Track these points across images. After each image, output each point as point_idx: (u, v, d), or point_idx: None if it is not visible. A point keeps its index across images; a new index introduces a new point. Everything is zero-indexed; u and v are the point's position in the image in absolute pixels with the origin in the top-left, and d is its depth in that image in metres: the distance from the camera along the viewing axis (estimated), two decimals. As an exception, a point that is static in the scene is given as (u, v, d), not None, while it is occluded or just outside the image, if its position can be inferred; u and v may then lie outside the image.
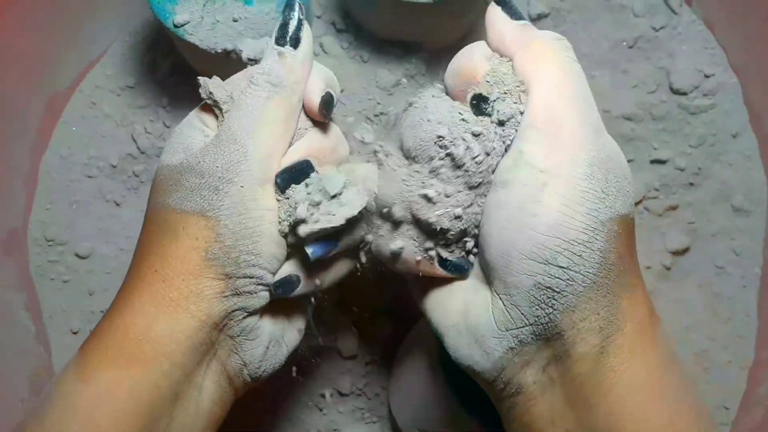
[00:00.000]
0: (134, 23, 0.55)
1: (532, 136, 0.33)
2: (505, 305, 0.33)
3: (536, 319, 0.32)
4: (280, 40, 0.36)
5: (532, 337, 0.33)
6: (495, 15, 0.36)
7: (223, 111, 0.36)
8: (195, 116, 0.38)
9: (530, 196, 0.32)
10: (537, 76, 0.34)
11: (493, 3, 0.37)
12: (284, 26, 0.37)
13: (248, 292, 0.35)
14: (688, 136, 0.52)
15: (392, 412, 0.47)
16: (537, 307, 0.32)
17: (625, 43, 0.52)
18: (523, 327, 0.33)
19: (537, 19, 0.52)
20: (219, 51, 0.47)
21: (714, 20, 0.52)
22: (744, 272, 0.52)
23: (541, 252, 0.32)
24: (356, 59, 0.53)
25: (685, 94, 0.52)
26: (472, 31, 0.52)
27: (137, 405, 0.32)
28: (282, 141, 0.36)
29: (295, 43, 0.36)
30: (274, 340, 0.38)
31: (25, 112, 0.53)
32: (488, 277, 0.35)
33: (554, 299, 0.32)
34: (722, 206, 0.52)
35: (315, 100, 0.36)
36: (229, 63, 0.48)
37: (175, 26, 0.47)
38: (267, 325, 0.37)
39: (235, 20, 0.48)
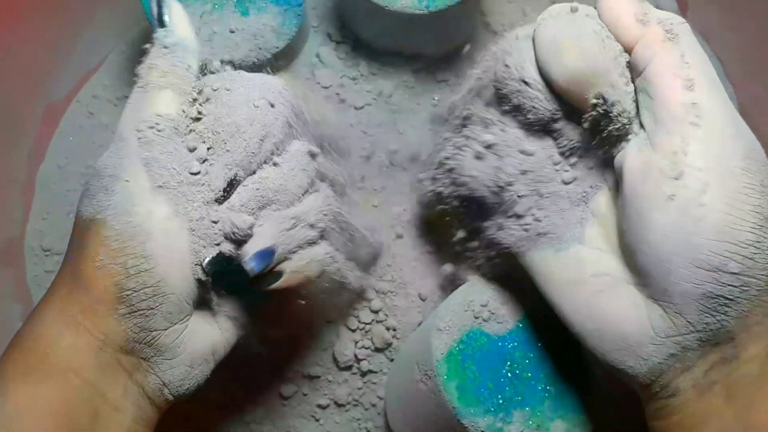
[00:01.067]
0: (132, 34, 0.56)
1: (675, 128, 0.30)
2: (666, 312, 0.31)
3: (705, 326, 0.30)
4: (157, 28, 0.37)
5: (698, 344, 0.30)
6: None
7: None
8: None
9: (692, 199, 0.29)
10: (664, 60, 0.31)
11: None
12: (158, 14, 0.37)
13: (147, 308, 0.32)
14: (685, 147, 0.52)
15: (389, 422, 0.47)
16: (707, 314, 0.30)
17: (620, 54, 0.52)
18: (689, 334, 0.30)
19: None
20: (216, 62, 0.47)
21: (709, 32, 0.52)
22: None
23: (710, 259, 0.29)
24: (353, 69, 0.53)
25: (681, 104, 0.51)
26: (469, 40, 0.52)
27: (55, 420, 0.31)
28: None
29: (161, 23, 0.37)
30: (199, 358, 0.35)
31: (23, 122, 0.53)
32: (639, 279, 0.32)
33: (727, 306, 0.29)
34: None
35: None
36: (225, 73, 0.48)
37: (173, 37, 0.47)
38: (189, 342, 0.35)
39: (232, 31, 0.48)
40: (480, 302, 0.40)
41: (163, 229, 0.33)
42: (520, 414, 0.37)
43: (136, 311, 0.32)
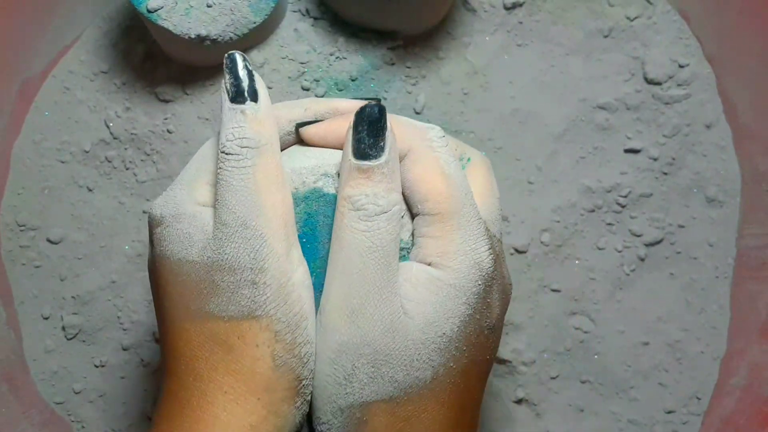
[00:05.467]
0: (108, 8, 0.55)
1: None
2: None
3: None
4: (238, 98, 0.34)
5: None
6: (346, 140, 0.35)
7: (216, 194, 0.34)
8: (186, 199, 0.35)
9: None
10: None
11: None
12: (236, 82, 0.34)
13: (311, 392, 0.33)
14: (662, 126, 0.52)
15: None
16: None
17: (599, 33, 0.52)
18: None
19: (512, 8, 0.52)
20: (192, 36, 0.47)
21: (689, 11, 0.52)
22: (717, 263, 0.52)
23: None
24: (331, 46, 0.52)
25: (659, 84, 0.52)
26: (447, 18, 0.52)
27: None
28: (286, 201, 0.34)
29: (254, 96, 0.34)
30: None
31: (-3, 97, 0.52)
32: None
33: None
34: (696, 197, 0.52)
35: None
36: (202, 48, 0.48)
37: (149, 11, 0.47)
38: None
39: (209, 5, 0.48)
40: None
41: (311, 311, 0.34)
42: None
43: (306, 399, 0.33)
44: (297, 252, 0.34)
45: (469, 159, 0.38)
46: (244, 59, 0.35)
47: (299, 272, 0.33)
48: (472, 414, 0.35)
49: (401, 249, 0.35)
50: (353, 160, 0.33)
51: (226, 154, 0.33)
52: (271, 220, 0.33)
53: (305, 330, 0.33)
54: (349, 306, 0.32)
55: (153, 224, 0.35)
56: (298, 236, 0.35)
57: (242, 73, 0.34)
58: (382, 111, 0.33)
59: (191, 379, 0.32)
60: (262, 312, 0.32)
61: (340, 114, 0.37)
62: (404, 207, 0.36)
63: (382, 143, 0.33)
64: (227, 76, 0.34)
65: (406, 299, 0.33)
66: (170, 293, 0.33)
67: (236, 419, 0.31)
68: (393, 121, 0.35)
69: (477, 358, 0.34)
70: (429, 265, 0.34)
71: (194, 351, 0.32)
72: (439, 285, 0.33)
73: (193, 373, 0.32)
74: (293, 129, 0.38)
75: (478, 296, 0.33)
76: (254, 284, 0.32)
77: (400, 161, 0.35)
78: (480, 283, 0.33)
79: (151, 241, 0.36)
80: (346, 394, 0.32)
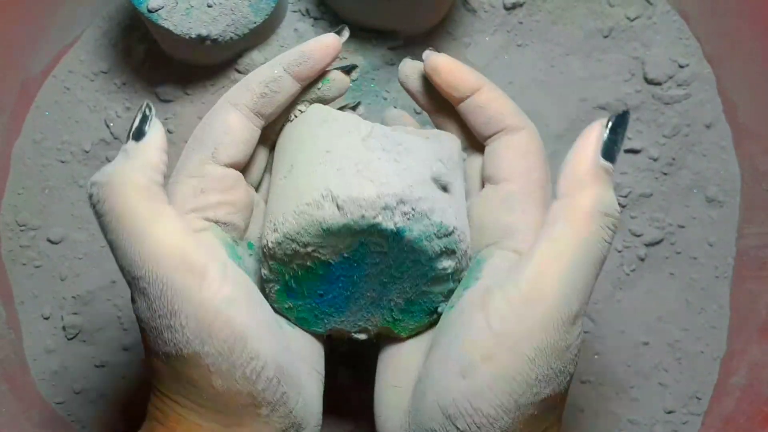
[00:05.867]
0: (108, 8, 0.55)
1: (506, 303, 0.32)
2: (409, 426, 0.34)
3: None
4: (126, 139, 0.34)
5: None
6: (590, 138, 0.33)
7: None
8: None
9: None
10: (552, 236, 0.32)
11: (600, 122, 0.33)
12: (132, 125, 0.35)
13: (281, 394, 0.34)
14: (662, 126, 0.52)
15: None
16: None
17: (599, 33, 0.52)
18: None
19: (512, 8, 0.52)
20: (193, 36, 0.47)
21: (688, 11, 0.52)
22: (717, 263, 0.52)
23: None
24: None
25: (659, 84, 0.52)
26: (447, 18, 0.52)
27: None
28: (179, 221, 0.33)
29: (138, 135, 0.34)
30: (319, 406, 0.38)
31: (-2, 97, 0.52)
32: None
33: None
34: (696, 197, 0.52)
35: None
36: (202, 48, 0.48)
37: (149, 11, 0.47)
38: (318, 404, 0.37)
39: (209, 5, 0.48)
40: None
41: (249, 324, 0.33)
42: None
43: (272, 403, 0.33)
44: (216, 267, 0.33)
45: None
46: (148, 107, 0.35)
47: (223, 292, 0.32)
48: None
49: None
50: (603, 162, 0.32)
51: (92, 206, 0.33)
52: (166, 257, 0.32)
53: (244, 349, 0.32)
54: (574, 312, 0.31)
55: None
56: (345, 258, 0.35)
57: (138, 117, 0.35)
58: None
59: (159, 400, 0.34)
60: (188, 351, 0.32)
61: (309, 57, 0.37)
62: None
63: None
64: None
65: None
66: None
67: (202, 429, 0.33)
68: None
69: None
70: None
71: (159, 378, 0.34)
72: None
73: (160, 394, 0.34)
74: (269, 90, 0.37)
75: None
76: (170, 328, 0.32)
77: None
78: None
79: None
80: (534, 393, 0.31)
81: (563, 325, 0.31)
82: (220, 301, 0.32)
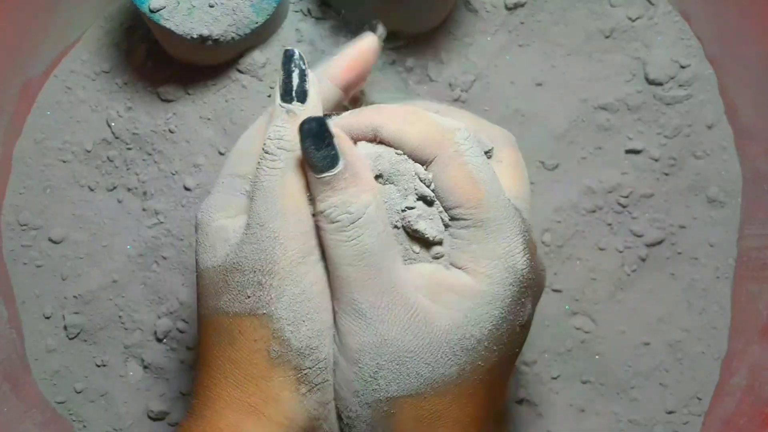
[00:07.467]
0: (110, 8, 0.55)
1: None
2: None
3: None
4: (286, 97, 0.34)
5: None
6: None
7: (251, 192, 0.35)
8: (217, 208, 0.36)
9: None
10: None
11: None
12: (287, 80, 0.34)
13: (323, 381, 0.34)
14: (664, 127, 0.52)
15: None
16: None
17: (601, 33, 0.52)
18: None
19: (513, 9, 0.52)
20: (194, 36, 0.47)
21: (690, 11, 0.52)
22: (718, 264, 0.52)
23: None
24: (333, 46, 0.52)
25: (660, 84, 0.52)
26: (449, 18, 0.52)
27: None
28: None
29: (303, 97, 0.34)
30: None
31: (-1, 97, 0.52)
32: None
33: None
34: (697, 197, 0.52)
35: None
36: (204, 48, 0.48)
37: (151, 11, 0.47)
38: None
39: (211, 5, 0.48)
40: None
41: (325, 303, 0.34)
42: None
43: (314, 386, 0.34)
44: (313, 257, 0.34)
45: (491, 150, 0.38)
46: (300, 58, 0.35)
47: (311, 275, 0.33)
48: (499, 405, 0.36)
49: (436, 252, 0.35)
50: (314, 176, 0.33)
51: (265, 152, 0.34)
52: (289, 223, 0.33)
53: (309, 329, 0.33)
54: (358, 311, 0.32)
55: (195, 228, 0.37)
56: None
57: (294, 71, 0.35)
58: (320, 122, 0.32)
59: (204, 364, 0.35)
60: (264, 311, 0.33)
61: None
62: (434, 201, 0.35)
63: (333, 152, 0.32)
64: (281, 73, 0.35)
65: (435, 302, 0.33)
66: (199, 293, 0.36)
67: (236, 400, 0.33)
68: (414, 119, 0.35)
69: (507, 354, 0.34)
70: (462, 269, 0.34)
71: (207, 342, 0.35)
72: (472, 291, 0.33)
73: (205, 360, 0.35)
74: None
75: (512, 299, 0.33)
76: (260, 285, 0.33)
77: (427, 167, 0.34)
78: (515, 287, 0.33)
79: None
80: (373, 390, 0.32)
81: None
82: (309, 280, 0.34)
